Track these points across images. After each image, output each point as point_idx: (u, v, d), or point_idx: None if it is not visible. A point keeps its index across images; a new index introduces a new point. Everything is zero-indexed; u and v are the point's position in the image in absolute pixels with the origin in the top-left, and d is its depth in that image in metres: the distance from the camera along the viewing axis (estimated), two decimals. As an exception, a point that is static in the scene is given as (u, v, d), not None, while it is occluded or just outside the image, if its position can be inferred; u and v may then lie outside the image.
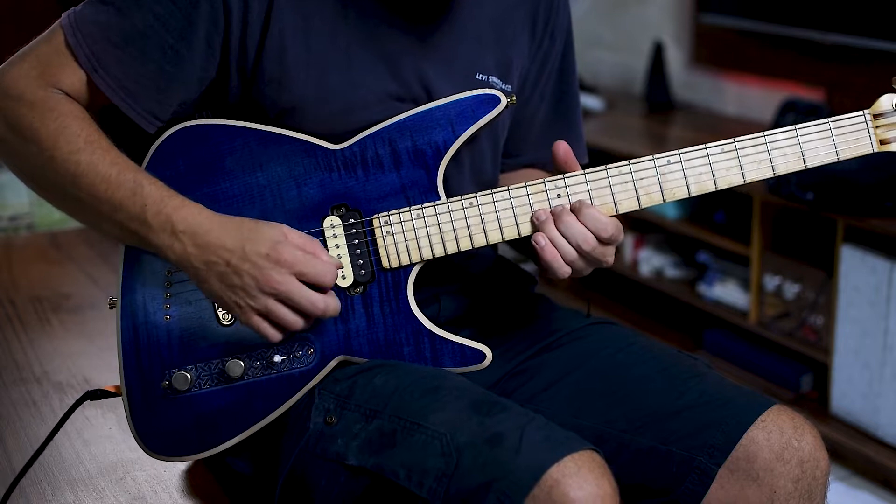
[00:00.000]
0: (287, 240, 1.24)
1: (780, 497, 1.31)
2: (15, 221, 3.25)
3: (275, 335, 1.26)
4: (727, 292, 3.10)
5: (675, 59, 3.70)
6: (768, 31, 3.24)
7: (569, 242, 1.30)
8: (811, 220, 2.88)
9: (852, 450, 2.67)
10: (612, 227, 1.30)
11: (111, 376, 1.34)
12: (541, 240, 1.30)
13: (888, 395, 2.62)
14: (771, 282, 2.92)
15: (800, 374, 2.90)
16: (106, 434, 1.78)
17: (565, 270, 1.31)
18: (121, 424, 1.34)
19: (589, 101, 3.72)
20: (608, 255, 1.32)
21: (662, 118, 3.59)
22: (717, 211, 3.13)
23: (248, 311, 1.25)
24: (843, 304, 2.69)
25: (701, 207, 3.20)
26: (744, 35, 3.37)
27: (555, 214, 1.30)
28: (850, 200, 2.62)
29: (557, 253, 1.30)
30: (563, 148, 1.32)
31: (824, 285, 2.78)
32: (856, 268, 2.64)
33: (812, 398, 2.90)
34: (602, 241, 1.30)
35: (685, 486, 1.32)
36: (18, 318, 2.35)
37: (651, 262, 3.38)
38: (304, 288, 1.25)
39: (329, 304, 1.27)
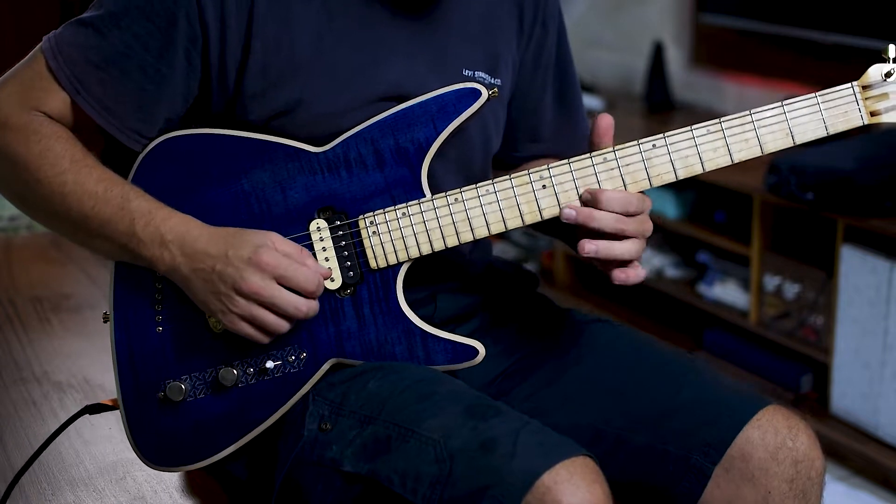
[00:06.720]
0: (272, 245, 1.24)
1: (774, 497, 1.31)
2: (15, 221, 3.25)
3: (261, 339, 1.27)
4: (727, 292, 3.10)
5: (675, 59, 3.70)
6: (768, 31, 3.24)
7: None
8: (811, 220, 2.87)
9: (852, 450, 2.67)
10: (635, 199, 1.29)
11: (110, 377, 1.34)
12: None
13: (888, 395, 2.62)
14: (771, 282, 2.92)
15: (800, 374, 2.90)
16: (106, 434, 1.79)
17: (632, 249, 1.29)
18: (120, 425, 1.35)
19: (589, 101, 3.72)
20: (647, 222, 1.31)
21: (662, 118, 3.59)
22: (717, 211, 3.13)
23: (232, 317, 1.25)
24: (843, 304, 2.69)
25: (701, 207, 3.20)
26: (744, 35, 3.37)
27: (591, 199, 1.28)
28: (850, 200, 2.62)
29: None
30: (605, 121, 1.31)
31: (824, 285, 2.78)
32: (856, 268, 2.64)
33: (812, 398, 2.89)
34: (630, 215, 1.29)
35: (682, 486, 1.32)
36: (18, 318, 2.36)
37: (651, 261, 3.38)
38: (286, 292, 1.24)
39: (311, 307, 1.27)
